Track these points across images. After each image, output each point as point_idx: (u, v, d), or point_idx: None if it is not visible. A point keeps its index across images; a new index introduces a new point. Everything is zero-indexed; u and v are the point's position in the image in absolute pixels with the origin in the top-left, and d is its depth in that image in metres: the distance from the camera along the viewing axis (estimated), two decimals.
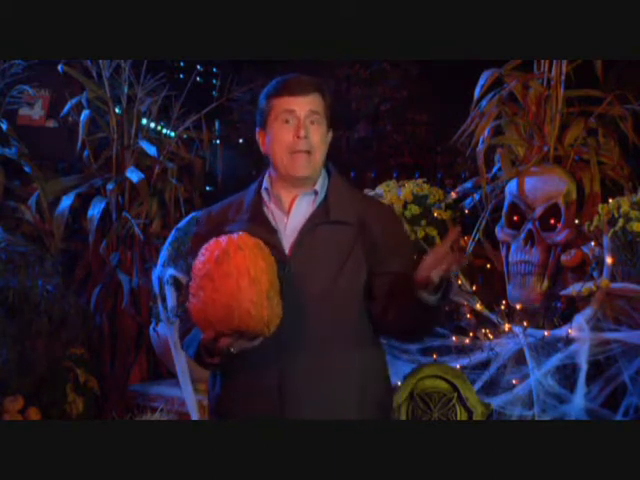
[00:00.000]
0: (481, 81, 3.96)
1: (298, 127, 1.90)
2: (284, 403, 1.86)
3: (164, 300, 3.86)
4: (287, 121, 1.91)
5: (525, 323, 3.49)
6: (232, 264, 1.71)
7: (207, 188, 5.69)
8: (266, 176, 2.00)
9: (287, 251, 1.90)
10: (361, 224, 1.92)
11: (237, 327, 1.72)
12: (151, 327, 4.05)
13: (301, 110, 1.91)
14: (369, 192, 3.90)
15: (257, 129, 1.99)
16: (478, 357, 3.42)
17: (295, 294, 1.85)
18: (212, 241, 1.77)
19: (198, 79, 6.04)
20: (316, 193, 1.96)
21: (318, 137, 1.92)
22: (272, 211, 1.97)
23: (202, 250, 1.77)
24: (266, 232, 1.91)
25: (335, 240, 1.90)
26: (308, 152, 1.91)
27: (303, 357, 1.85)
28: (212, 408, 2.04)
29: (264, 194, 1.98)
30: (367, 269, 1.91)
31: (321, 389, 1.86)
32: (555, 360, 3.22)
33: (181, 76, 6.29)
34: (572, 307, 3.49)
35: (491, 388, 3.31)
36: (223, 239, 1.76)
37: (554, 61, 3.82)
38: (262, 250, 1.76)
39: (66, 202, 4.46)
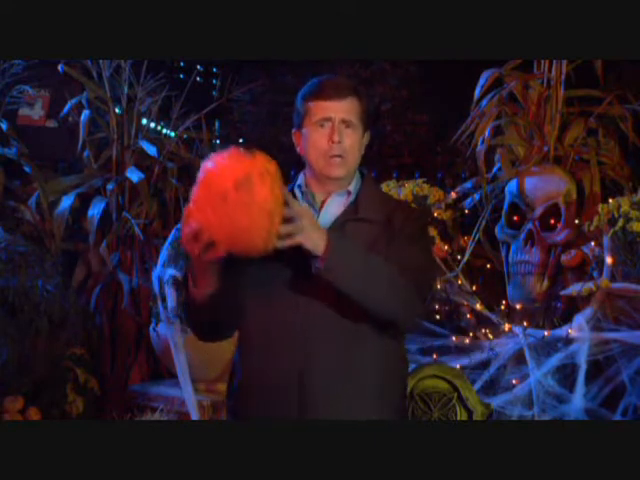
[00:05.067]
0: (481, 81, 3.97)
1: (332, 132, 1.91)
2: (304, 403, 1.85)
3: (164, 300, 3.86)
4: (322, 125, 1.93)
5: (525, 323, 3.49)
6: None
7: None
8: (301, 175, 2.04)
9: None
10: (388, 223, 1.94)
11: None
12: (151, 327, 4.05)
13: (336, 114, 1.92)
14: None
15: (293, 129, 2.01)
16: (478, 357, 3.43)
17: (318, 290, 1.84)
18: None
19: (198, 79, 6.03)
20: (349, 193, 1.99)
21: (352, 141, 1.93)
22: None
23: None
24: None
25: (361, 237, 1.91)
26: (341, 156, 1.93)
27: (324, 353, 1.85)
28: (228, 407, 2.03)
29: (297, 191, 2.01)
30: None
31: (340, 388, 1.86)
32: (555, 360, 3.22)
33: (181, 76, 6.29)
34: (572, 307, 3.49)
35: (491, 388, 3.31)
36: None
37: (554, 61, 3.82)
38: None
39: (66, 202, 4.46)
